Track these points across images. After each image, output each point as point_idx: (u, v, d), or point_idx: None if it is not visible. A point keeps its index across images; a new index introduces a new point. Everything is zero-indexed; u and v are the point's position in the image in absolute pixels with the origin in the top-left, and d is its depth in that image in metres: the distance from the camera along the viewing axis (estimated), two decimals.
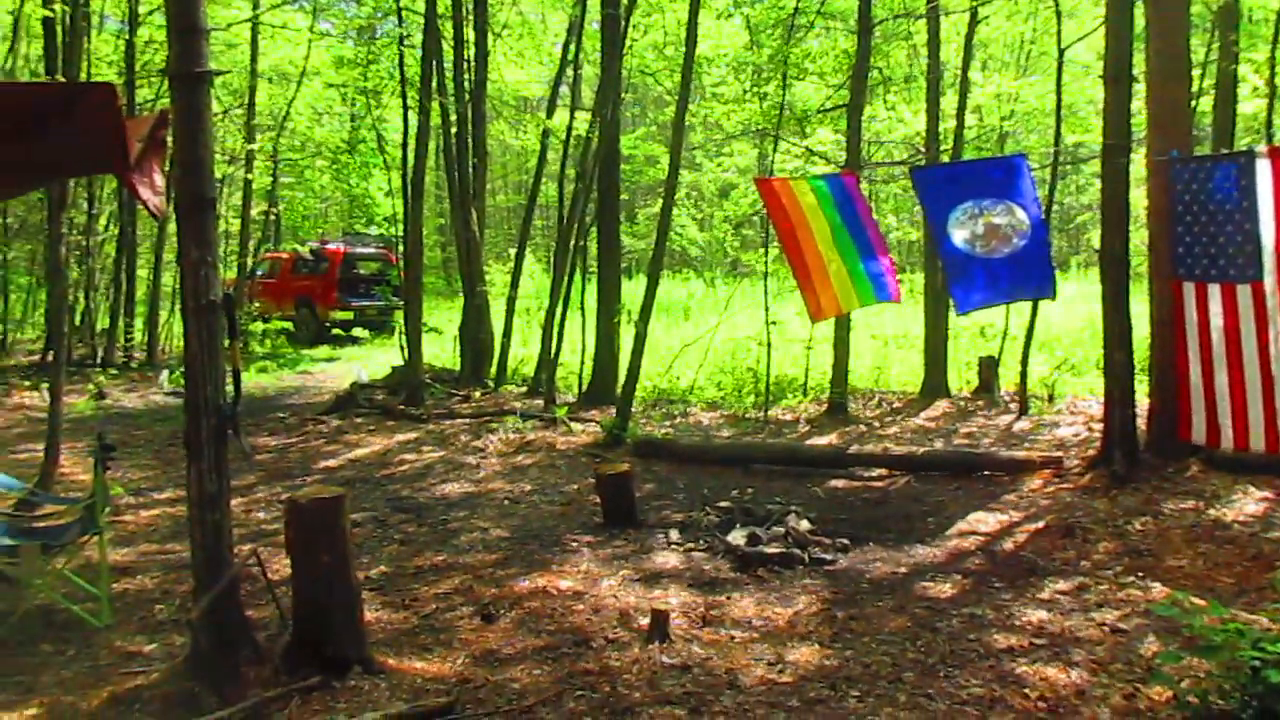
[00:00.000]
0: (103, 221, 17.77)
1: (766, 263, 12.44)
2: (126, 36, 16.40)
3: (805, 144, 12.92)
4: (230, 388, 4.44)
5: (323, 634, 4.32)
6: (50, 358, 16.28)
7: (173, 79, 4.20)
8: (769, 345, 11.48)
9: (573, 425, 10.40)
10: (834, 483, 8.23)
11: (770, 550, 6.13)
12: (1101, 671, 4.45)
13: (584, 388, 11.91)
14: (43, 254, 17.01)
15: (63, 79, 11.21)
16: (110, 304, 17.92)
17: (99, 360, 16.52)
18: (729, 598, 5.52)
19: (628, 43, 12.08)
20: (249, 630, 4.57)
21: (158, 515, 7.65)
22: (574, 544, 6.61)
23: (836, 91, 12.61)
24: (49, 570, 5.41)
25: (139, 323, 18.19)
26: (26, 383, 14.63)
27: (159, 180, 4.42)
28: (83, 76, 14.15)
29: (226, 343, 4.41)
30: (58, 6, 12.50)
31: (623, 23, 11.52)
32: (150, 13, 16.34)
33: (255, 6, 18.35)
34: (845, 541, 6.42)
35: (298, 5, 18.94)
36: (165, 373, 15.66)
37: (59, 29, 12.90)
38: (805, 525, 6.63)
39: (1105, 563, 5.99)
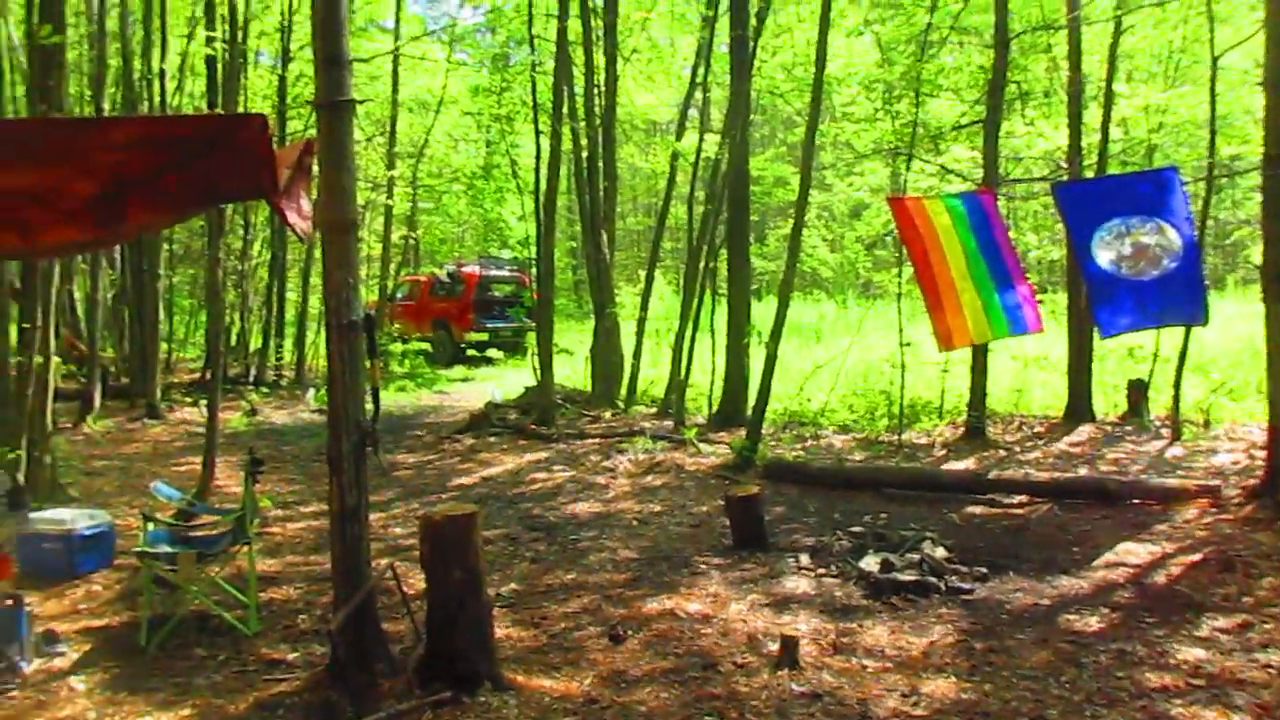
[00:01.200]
0: (257, 247, 18.74)
1: (900, 283, 12.17)
2: (279, 71, 17.32)
3: (939, 161, 12.61)
4: (370, 405, 4.58)
5: (454, 649, 4.39)
6: (208, 376, 17.28)
7: (318, 108, 4.39)
8: (903, 367, 11.21)
9: (702, 447, 10.37)
10: (971, 509, 7.93)
11: (905, 577, 5.95)
12: (1267, 717, 4.14)
13: (714, 409, 11.86)
14: (203, 278, 18.06)
15: (220, 112, 11.88)
16: (263, 325, 18.88)
17: (252, 378, 17.41)
18: (861, 625, 5.38)
19: (756, 64, 12.06)
20: (385, 643, 4.68)
21: (303, 528, 7.97)
22: (703, 566, 6.56)
23: (972, 107, 12.27)
24: (204, 578, 5.69)
25: (288, 343, 19.10)
26: (188, 399, 15.52)
27: (305, 205, 4.61)
28: (239, 109, 15.00)
29: (367, 362, 4.55)
30: (218, 45, 13.28)
31: (751, 44, 11.51)
32: (300, 48, 17.22)
33: (397, 39, 19.13)
34: (983, 570, 6.18)
35: (436, 37, 19.63)
36: (311, 391, 16.37)
37: (219, 66, 13.70)
38: (941, 552, 6.41)
39: (1271, 600, 5.58)
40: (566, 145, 13.42)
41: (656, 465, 9.82)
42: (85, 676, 4.93)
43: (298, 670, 4.90)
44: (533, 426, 11.89)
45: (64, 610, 6.00)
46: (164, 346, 17.57)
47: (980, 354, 10.45)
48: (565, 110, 12.63)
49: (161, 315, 16.54)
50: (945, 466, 9.48)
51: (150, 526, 5.87)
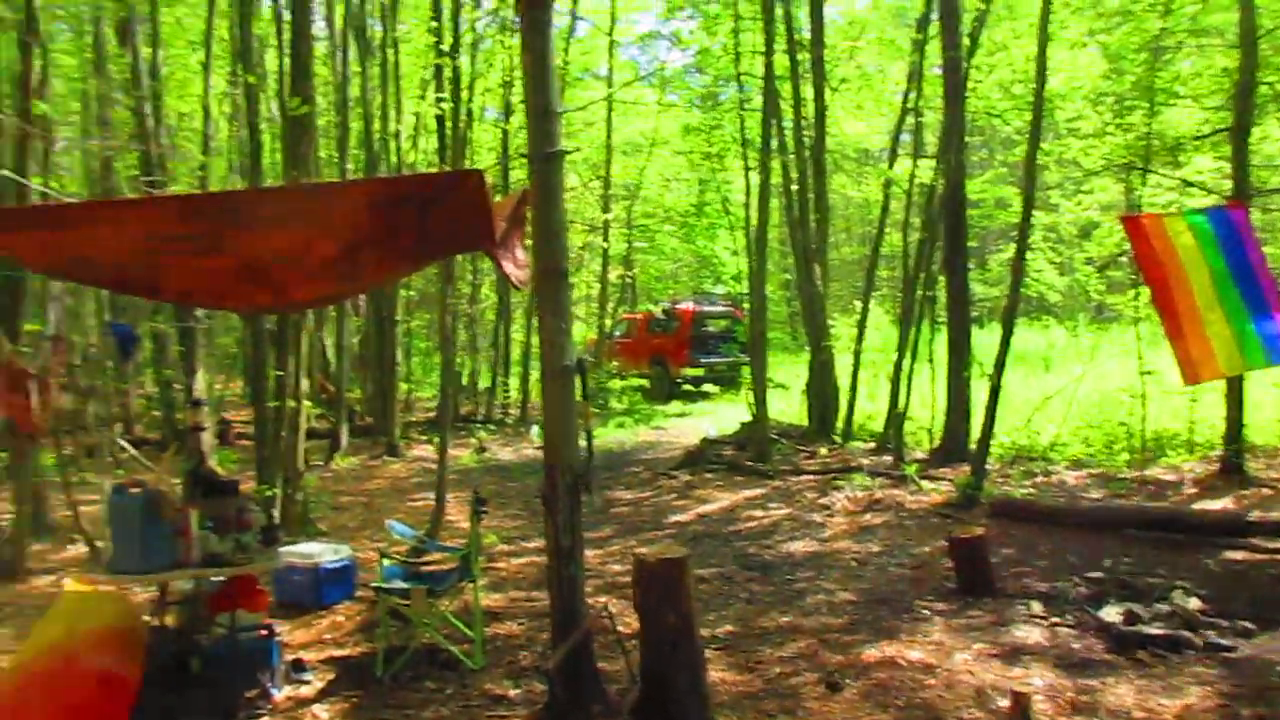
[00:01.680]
0: (485, 291, 19.77)
1: (1137, 307, 11.30)
2: (502, 125, 18.26)
3: (1179, 175, 11.65)
4: (584, 446, 4.68)
5: (668, 693, 4.39)
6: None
7: (531, 160, 4.56)
8: (1144, 397, 10.37)
9: (923, 483, 9.96)
10: (1230, 555, 7.19)
11: (1153, 630, 5.46)
12: None
13: (935, 444, 11.40)
14: (437, 322, 19.21)
15: (447, 168, 12.62)
16: (491, 365, 19.84)
17: (481, 417, 18.29)
18: (1103, 683, 4.96)
19: (970, 84, 11.60)
20: (601, 683, 4.74)
21: (526, 564, 8.23)
22: (925, 611, 6.28)
23: (1215, 114, 11.28)
24: (434, 612, 5.98)
25: (514, 381, 19.97)
26: (424, 437, 16.49)
27: (520, 254, 4.80)
28: (466, 163, 15.92)
29: (580, 403, 4.66)
30: (446, 105, 14.15)
31: (964, 65, 11.09)
32: (520, 102, 18.10)
33: (610, 85, 19.77)
34: (1248, 625, 5.57)
35: (648, 81, 20.13)
36: (534, 428, 16.99)
37: (447, 124, 14.60)
38: (1195, 603, 5.84)
39: None
40: (776, 179, 13.38)
41: (875, 503, 9.52)
42: (328, 705, 5.26)
43: (519, 707, 5.04)
44: (748, 462, 11.83)
45: (310, 639, 6.45)
46: (403, 387, 18.76)
47: (1236, 381, 9.51)
48: (774, 144, 12.61)
49: (400, 358, 17.69)
50: (1197, 506, 8.66)
51: (386, 562, 6.23)
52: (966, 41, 11.18)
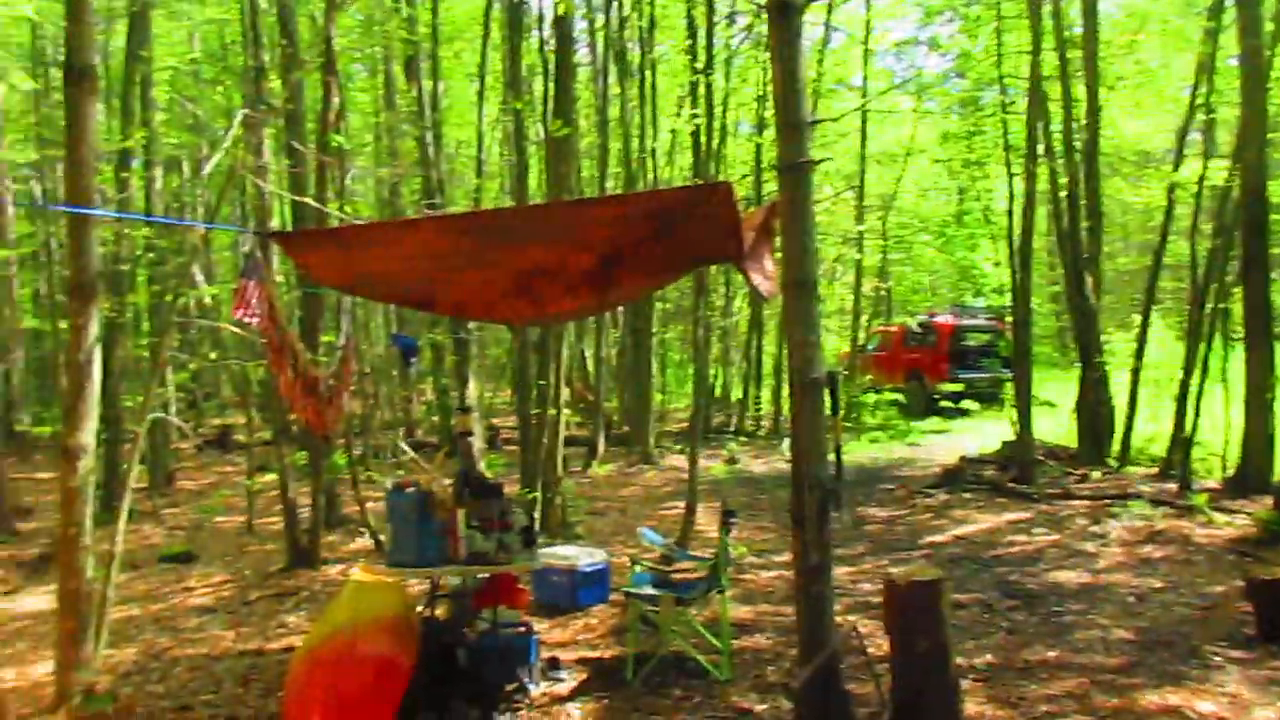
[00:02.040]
0: (737, 304, 19.89)
1: None
2: (756, 139, 18.33)
3: None
4: (834, 461, 4.58)
5: None
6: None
7: (780, 171, 4.53)
8: None
9: (1215, 516, 9.01)
10: None
11: None
12: None
13: (1228, 472, 10.29)
14: (691, 334, 19.53)
15: (699, 182, 12.81)
16: (743, 376, 19.93)
17: (733, 428, 18.39)
18: None
19: (1274, 75, 10.42)
20: (849, 706, 4.60)
21: (775, 577, 8.17)
22: (1217, 659, 5.66)
23: None
24: (682, 620, 6.05)
25: (766, 393, 19.94)
26: (677, 447, 16.80)
27: (769, 265, 4.77)
28: (721, 176, 16.11)
29: (830, 418, 4.57)
30: (700, 121, 14.39)
31: (1266, 53, 9.98)
32: (774, 115, 18.09)
33: (863, 95, 19.38)
34: None
35: (903, 90, 19.57)
36: (786, 441, 16.89)
37: (702, 140, 14.84)
38: None
39: None
40: (1043, 185, 12.59)
41: (1156, 534, 8.71)
42: (581, 704, 5.44)
43: None
44: (1010, 484, 11.17)
45: (566, 639, 6.70)
46: (657, 398, 19.21)
47: None
48: (1040, 148, 11.88)
49: (655, 369, 18.13)
50: None
51: (637, 569, 6.37)
52: (1270, 26, 10.08)
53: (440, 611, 6.65)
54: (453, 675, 5.70)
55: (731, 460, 15.16)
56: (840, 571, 7.64)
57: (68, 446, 5.47)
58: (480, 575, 5.86)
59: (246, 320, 4.11)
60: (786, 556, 8.83)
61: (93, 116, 5.47)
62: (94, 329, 5.55)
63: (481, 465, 14.21)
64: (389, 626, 5.54)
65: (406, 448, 12.24)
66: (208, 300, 12.62)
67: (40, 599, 8.94)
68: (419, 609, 6.75)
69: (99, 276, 5.68)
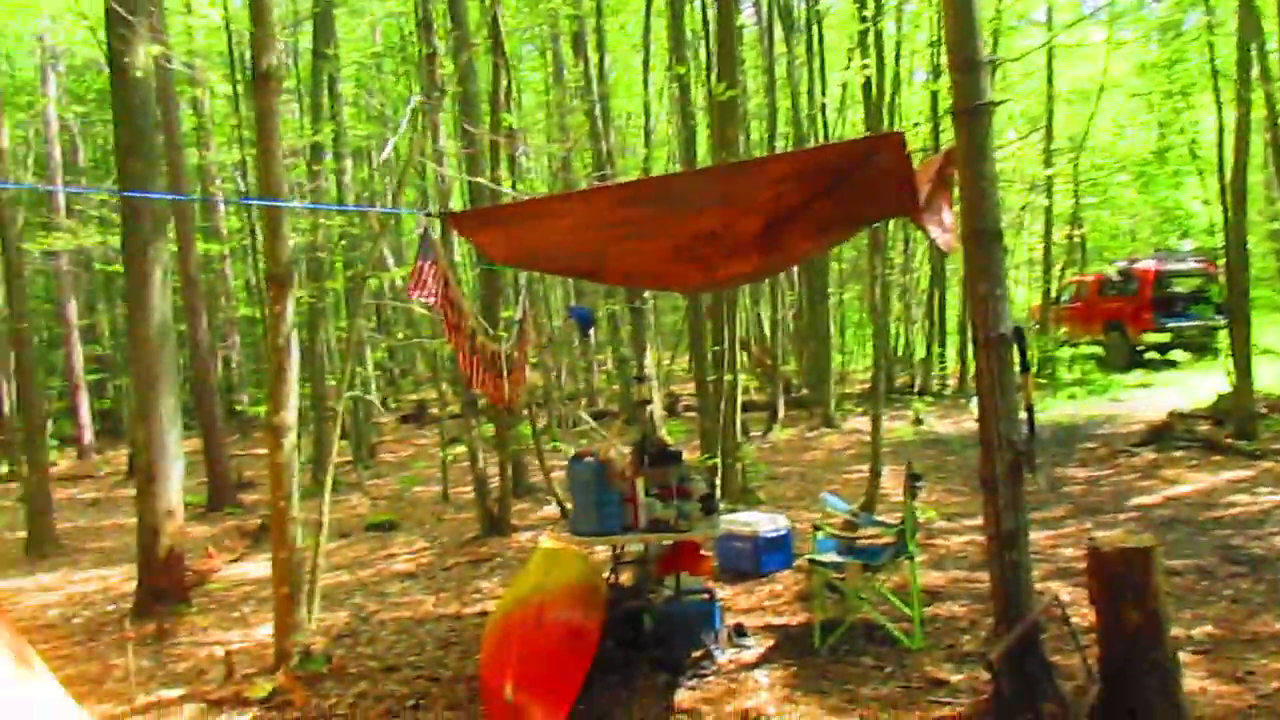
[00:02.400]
0: (917, 259, 19.19)
1: None
2: (931, 86, 17.54)
3: None
4: (1024, 421, 4.32)
5: (1133, 697, 3.91)
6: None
7: (955, 115, 4.27)
8: None
9: None
10: None
11: None
12: None
13: None
14: (868, 292, 19.01)
15: (867, 133, 12.36)
16: (926, 334, 19.26)
17: (918, 388, 17.82)
18: None
19: None
20: (1053, 679, 4.35)
21: (967, 542, 7.85)
22: None
23: None
24: (869, 588, 5.89)
25: (951, 351, 19.21)
26: (859, 409, 16.45)
27: (948, 217, 4.52)
28: (896, 127, 15.52)
29: (1019, 376, 4.31)
30: (871, 71, 13.86)
31: None
32: None
33: (1049, 30, 18.19)
34: None
35: (1094, 20, 18.23)
36: (974, 400, 16.22)
37: (872, 91, 14.32)
38: None
39: None
40: (1258, 112, 11.46)
41: None
42: (767, 671, 5.38)
43: (961, 695, 4.79)
44: (1228, 440, 10.31)
45: (751, 606, 6.65)
46: (837, 359, 18.83)
47: None
48: (1254, 72, 10.80)
49: (833, 330, 17.75)
50: None
51: (820, 535, 6.25)
52: None
53: (625, 578, 6.75)
54: (639, 641, 5.77)
55: (917, 421, 14.68)
56: (1038, 536, 7.28)
57: (273, 425, 5.83)
58: (664, 543, 5.89)
59: (422, 300, 4.23)
60: (978, 520, 8.47)
61: (277, 114, 5.76)
62: (290, 314, 5.87)
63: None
64: (577, 593, 5.65)
65: (587, 417, 12.48)
66: (398, 282, 13.21)
67: (262, 565, 9.63)
68: (605, 575, 6.89)
69: (294, 265, 5.98)
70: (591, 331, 7.62)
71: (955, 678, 5.05)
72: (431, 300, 4.28)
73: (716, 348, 9.72)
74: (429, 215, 4.34)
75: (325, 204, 15.28)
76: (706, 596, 5.69)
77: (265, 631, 7.00)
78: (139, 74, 7.36)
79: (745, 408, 17.53)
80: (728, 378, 9.46)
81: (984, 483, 4.34)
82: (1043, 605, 4.52)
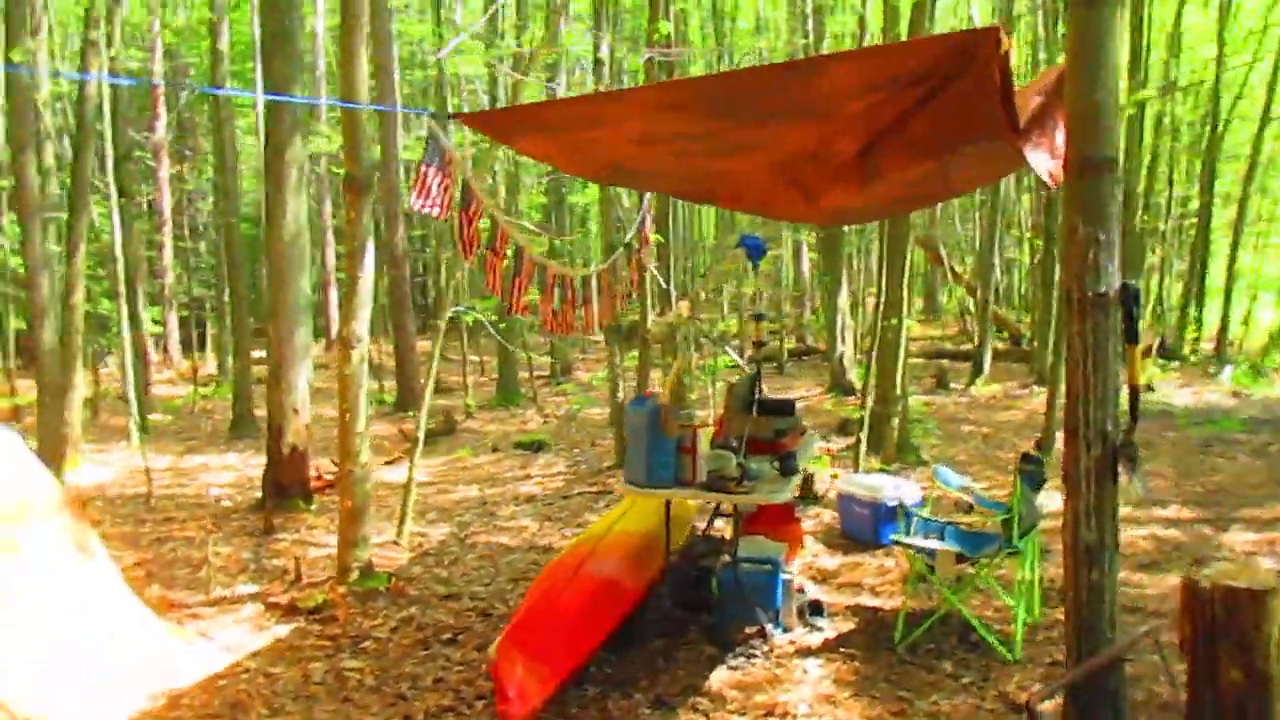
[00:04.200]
0: (1194, 202, 16.76)
1: None
2: None
3: None
4: (1126, 408, 3.36)
5: None
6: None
7: (1070, 6, 3.26)
8: None
9: None
10: None
11: None
12: None
13: None
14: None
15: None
16: (1186, 287, 16.89)
17: (1160, 348, 15.68)
18: None
19: None
20: None
21: (1145, 536, 6.66)
22: None
23: None
24: (964, 581, 5.03)
25: (1213, 309, 16.78)
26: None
27: (1059, 142, 3.53)
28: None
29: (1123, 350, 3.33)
30: None
31: None
32: None
33: None
34: None
35: None
36: (1228, 369, 14.08)
37: None
38: None
39: None
40: None
41: None
42: (824, 661, 4.70)
43: None
44: None
45: (850, 581, 5.92)
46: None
47: None
48: None
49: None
50: None
51: (923, 512, 5.40)
52: None
53: (724, 531, 6.19)
54: (700, 606, 5.23)
55: (1147, 388, 12.88)
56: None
57: (342, 336, 5.65)
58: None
59: (425, 210, 3.79)
60: (1171, 511, 7.21)
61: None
62: (367, 221, 5.63)
63: (852, 376, 13.41)
64: (630, 546, 5.17)
65: (731, 350, 11.75)
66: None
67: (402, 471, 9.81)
68: (698, 527, 6.35)
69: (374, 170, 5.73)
70: (758, 261, 6.92)
71: (1042, 706, 4.15)
72: (435, 211, 3.83)
73: (872, 292, 8.73)
74: (433, 116, 3.86)
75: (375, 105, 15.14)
76: (768, 567, 5.02)
77: (380, 539, 7.01)
78: None
79: (955, 357, 16.17)
80: (892, 321, 8.49)
81: (1066, 480, 3.43)
82: (1127, 641, 3.56)
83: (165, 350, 22.34)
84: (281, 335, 7.63)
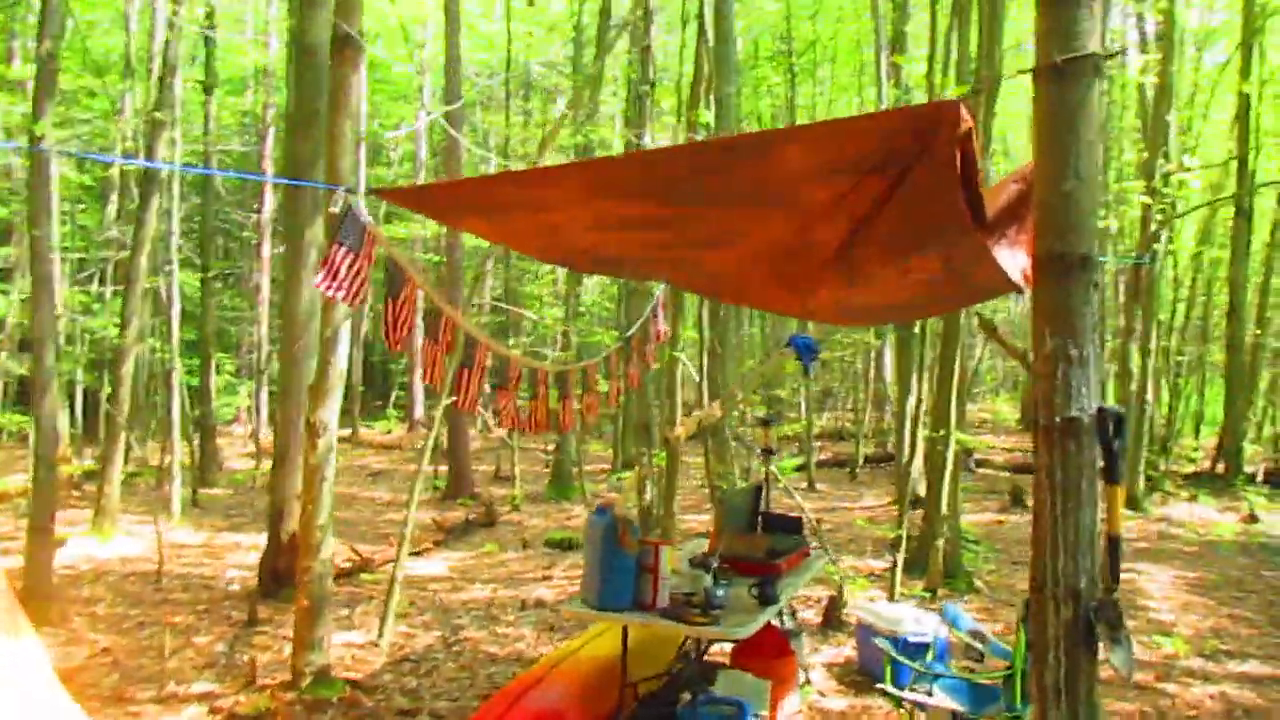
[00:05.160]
0: None
1: None
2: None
3: None
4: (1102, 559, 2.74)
5: None
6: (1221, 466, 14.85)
7: (1037, 75, 2.76)
8: None
9: None
10: None
11: None
12: None
13: None
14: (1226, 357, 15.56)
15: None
16: None
17: (1259, 472, 14.27)
18: None
19: None
20: None
21: (1213, 695, 5.77)
22: None
23: None
24: None
25: None
26: (1187, 492, 13.52)
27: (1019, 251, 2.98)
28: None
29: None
30: None
31: None
32: None
33: None
34: None
35: None
36: None
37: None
38: None
39: None
40: None
41: None
42: None
43: None
44: None
45: None
46: (1160, 422, 15.70)
47: None
48: None
49: (1164, 390, 14.67)
50: None
51: (927, 657, 4.72)
52: None
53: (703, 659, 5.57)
54: None
55: (1250, 518, 11.69)
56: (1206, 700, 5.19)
57: (309, 421, 5.35)
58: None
59: (330, 294, 3.46)
60: (1249, 666, 6.28)
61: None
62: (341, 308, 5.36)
63: (921, 488, 12.54)
64: (586, 675, 4.65)
65: (747, 442, 11.05)
66: None
67: (436, 563, 9.43)
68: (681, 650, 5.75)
69: None
70: (813, 362, 6.43)
71: None
72: (341, 295, 3.49)
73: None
74: (349, 192, 3.55)
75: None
76: (732, 710, 4.39)
77: (344, 638, 6.62)
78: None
79: (1018, 469, 15.03)
80: (938, 433, 7.81)
81: (1030, 647, 2.80)
82: None
83: (255, 423, 22.75)
84: (289, 417, 7.41)
